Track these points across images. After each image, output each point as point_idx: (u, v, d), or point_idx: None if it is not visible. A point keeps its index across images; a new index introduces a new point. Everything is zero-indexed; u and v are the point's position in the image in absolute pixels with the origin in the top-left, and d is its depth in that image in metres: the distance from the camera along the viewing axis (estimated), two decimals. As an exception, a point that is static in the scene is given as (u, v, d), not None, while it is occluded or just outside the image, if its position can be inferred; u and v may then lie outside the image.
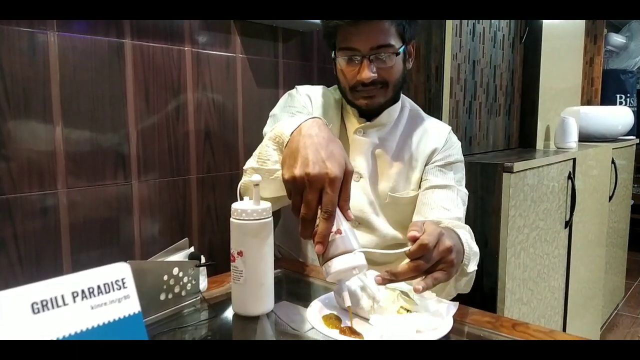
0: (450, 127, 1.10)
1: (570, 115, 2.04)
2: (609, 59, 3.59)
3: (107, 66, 1.02)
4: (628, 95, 2.93)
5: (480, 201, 1.34)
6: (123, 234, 1.07)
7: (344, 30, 0.94)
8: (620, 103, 2.89)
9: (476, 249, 0.88)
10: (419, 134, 1.07)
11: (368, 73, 0.92)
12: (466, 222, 1.17)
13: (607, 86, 2.88)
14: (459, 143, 1.10)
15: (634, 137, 2.58)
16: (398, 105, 1.05)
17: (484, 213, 1.34)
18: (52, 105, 0.94)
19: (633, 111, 2.64)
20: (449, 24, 1.36)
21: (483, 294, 1.36)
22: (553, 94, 1.90)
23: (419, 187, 1.05)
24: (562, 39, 1.94)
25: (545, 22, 1.75)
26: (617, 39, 3.73)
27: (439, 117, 1.40)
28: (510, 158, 1.44)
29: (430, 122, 1.10)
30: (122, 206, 1.06)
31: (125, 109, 1.05)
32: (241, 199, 0.71)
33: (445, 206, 0.98)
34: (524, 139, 1.84)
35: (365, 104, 0.97)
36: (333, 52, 0.98)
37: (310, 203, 0.62)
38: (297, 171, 0.64)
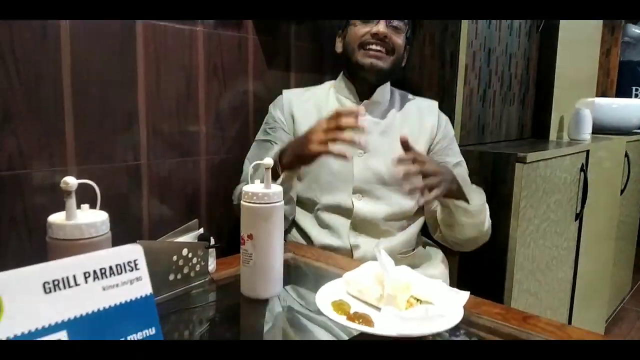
0: (436, 103, 1.21)
1: (584, 106, 2.01)
2: (625, 50, 3.52)
3: (118, 46, 1.00)
4: (644, 87, 2.87)
5: (491, 191, 1.33)
6: (132, 213, 1.07)
7: None
8: (636, 95, 2.84)
9: (479, 189, 1.08)
10: (413, 110, 1.17)
11: (383, 27, 1.04)
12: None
13: (623, 78, 2.83)
14: (446, 116, 1.21)
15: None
16: (388, 85, 1.16)
17: (495, 203, 1.32)
18: (63, 83, 0.93)
19: (649, 104, 2.59)
20: (466, 9, 1.33)
21: (491, 283, 1.35)
22: (568, 84, 1.87)
23: (427, 152, 1.15)
24: (579, 29, 1.89)
25: (563, 10, 1.71)
26: (635, 30, 3.65)
27: (452, 105, 1.38)
28: (523, 148, 1.42)
29: (419, 99, 1.21)
30: (132, 185, 1.06)
31: (135, 89, 1.04)
32: (249, 182, 0.70)
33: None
34: (537, 129, 1.81)
35: (370, 63, 1.05)
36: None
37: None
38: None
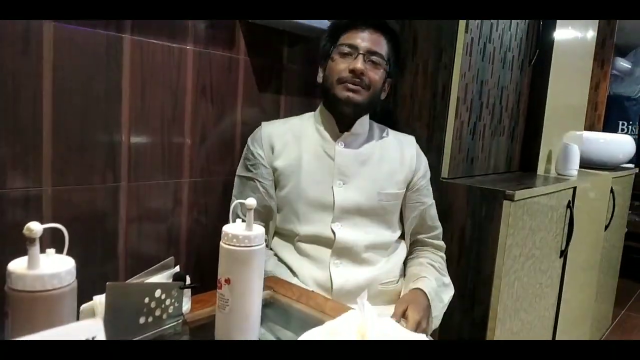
0: (413, 138, 1.23)
1: (572, 140, 2.02)
2: (613, 84, 3.58)
3: (103, 61, 0.97)
4: (631, 122, 2.91)
5: (477, 227, 1.31)
6: (108, 240, 1.02)
7: (350, 31, 1.10)
8: (622, 130, 2.87)
9: (445, 285, 1.17)
10: (393, 142, 1.19)
11: (361, 65, 1.06)
12: (462, 249, 1.16)
13: (610, 112, 2.87)
14: (422, 153, 1.24)
15: (633, 166, 2.56)
16: (367, 117, 1.17)
17: (480, 240, 1.31)
18: (43, 98, 0.90)
19: (635, 139, 2.62)
20: (460, 42, 1.32)
21: (473, 322, 1.33)
22: (558, 117, 1.87)
23: (406, 187, 1.17)
24: (571, 62, 1.91)
25: (555, 44, 1.71)
26: (622, 63, 3.71)
27: (442, 138, 1.37)
28: (511, 184, 1.41)
29: (397, 133, 1.23)
30: (110, 208, 1.01)
31: (119, 106, 1.00)
32: (234, 220, 0.67)
33: (435, 224, 1.23)
34: (525, 162, 1.80)
35: (347, 96, 1.07)
36: (331, 48, 1.11)
37: None
38: None
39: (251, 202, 0.63)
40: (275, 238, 1.16)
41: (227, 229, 0.63)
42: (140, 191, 1.06)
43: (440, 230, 1.24)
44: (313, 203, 1.09)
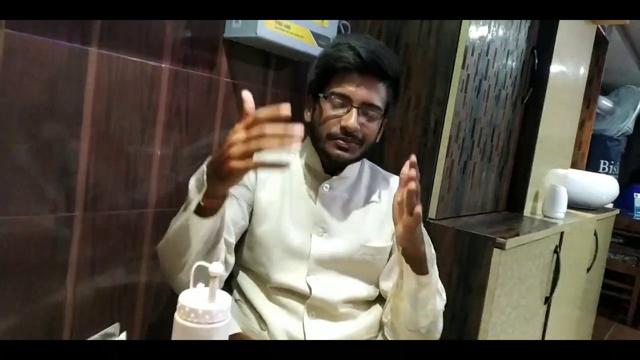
0: None
1: (558, 178, 1.97)
2: (594, 122, 3.60)
3: (63, 76, 0.86)
4: (612, 162, 2.91)
5: (464, 275, 1.23)
6: (53, 286, 0.89)
7: (343, 75, 0.94)
8: (604, 169, 2.87)
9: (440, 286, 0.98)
10: (383, 188, 1.08)
11: (354, 122, 0.93)
12: (447, 297, 1.05)
13: (592, 151, 2.86)
14: None
15: (612, 207, 2.55)
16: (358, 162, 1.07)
17: (467, 289, 1.22)
18: (-14, 115, 0.78)
19: (615, 178, 2.62)
20: (456, 77, 1.25)
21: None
22: (546, 156, 1.83)
23: (392, 240, 1.03)
24: (562, 100, 1.87)
25: (550, 81, 1.67)
26: (604, 102, 3.74)
27: (432, 176, 1.29)
28: (500, 228, 1.34)
29: (387, 174, 1.13)
30: (60, 243, 0.89)
31: (79, 126, 0.89)
32: (194, 283, 0.56)
33: None
34: (512, 202, 1.74)
35: (337, 155, 0.95)
36: (319, 91, 0.97)
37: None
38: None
39: (217, 269, 0.52)
40: (242, 274, 1.04)
41: (183, 300, 0.52)
42: (98, 221, 0.94)
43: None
44: (290, 250, 0.97)
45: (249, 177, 1.00)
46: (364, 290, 1.02)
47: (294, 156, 1.05)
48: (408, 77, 1.33)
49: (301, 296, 0.97)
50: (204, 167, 0.75)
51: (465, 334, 1.22)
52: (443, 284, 1.24)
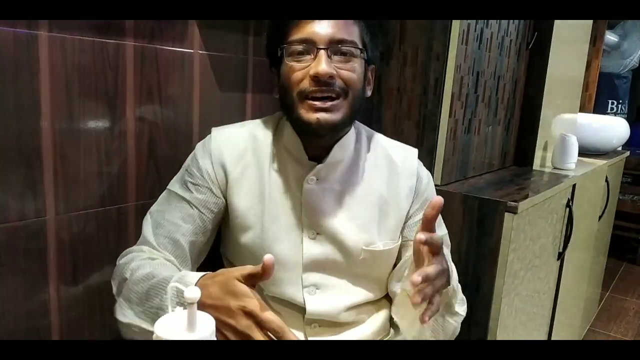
0: (416, 152, 0.93)
1: (567, 124, 1.87)
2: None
3: (12, 67, 0.75)
4: (620, 101, 2.79)
5: (474, 241, 1.16)
6: (36, 298, 0.82)
7: (296, 23, 0.76)
8: (612, 109, 2.75)
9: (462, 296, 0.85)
10: (385, 169, 0.88)
11: (325, 66, 0.72)
12: (456, 265, 0.97)
13: (599, 90, 2.73)
14: (427, 172, 0.94)
15: (621, 149, 2.45)
16: (352, 134, 0.86)
17: (478, 255, 1.16)
18: None
19: (624, 117, 2.51)
20: (455, 29, 1.13)
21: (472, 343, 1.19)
22: (554, 103, 1.72)
23: (399, 236, 0.89)
24: (569, 41, 1.74)
25: (556, 22, 1.54)
26: (609, 37, 3.56)
27: (435, 139, 1.19)
28: (509, 189, 1.25)
29: (393, 149, 0.91)
30: (33, 253, 0.82)
31: (37, 119, 0.80)
32: (172, 306, 0.49)
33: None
34: (520, 156, 1.65)
35: (317, 120, 0.75)
36: (279, 50, 0.78)
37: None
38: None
39: (193, 294, 0.44)
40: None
41: (159, 330, 0.45)
42: (73, 224, 0.87)
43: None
44: (280, 262, 0.81)
45: (216, 176, 0.83)
46: (369, 294, 0.87)
47: (269, 136, 0.86)
48: (402, 30, 1.22)
49: (298, 310, 0.84)
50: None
51: (478, 301, 1.16)
52: (452, 251, 1.14)
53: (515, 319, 1.27)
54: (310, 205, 0.82)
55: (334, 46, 0.75)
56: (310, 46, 0.75)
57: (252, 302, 0.59)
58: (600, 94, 2.73)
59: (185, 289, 0.45)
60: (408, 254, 0.87)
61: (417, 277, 0.59)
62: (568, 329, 1.95)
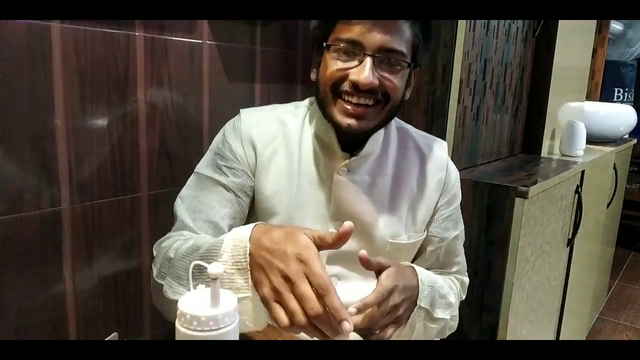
0: (446, 144, 0.91)
1: (574, 114, 1.87)
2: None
3: (25, 58, 0.76)
4: (627, 89, 2.77)
5: (485, 227, 1.16)
6: (51, 286, 0.83)
7: (346, 22, 0.72)
8: (618, 97, 2.74)
9: (452, 299, 0.82)
10: (415, 161, 0.86)
11: (369, 76, 0.70)
12: (467, 252, 0.97)
13: (605, 79, 2.72)
14: (456, 168, 0.91)
15: (628, 137, 2.44)
16: (382, 131, 0.83)
17: (489, 241, 1.16)
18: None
19: (631, 105, 2.49)
20: (463, 15, 1.13)
21: (481, 331, 1.19)
22: (561, 90, 1.71)
23: (425, 229, 0.87)
24: (575, 29, 1.73)
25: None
26: (614, 25, 3.54)
27: (444, 126, 1.19)
28: (519, 175, 1.25)
29: (423, 140, 0.89)
30: (49, 242, 0.83)
31: (52, 111, 0.80)
32: (194, 284, 0.49)
33: (456, 260, 0.92)
34: (528, 144, 1.65)
35: (348, 125, 0.73)
36: (323, 40, 0.75)
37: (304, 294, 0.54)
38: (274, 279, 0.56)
39: (216, 269, 0.45)
40: None
41: (183, 305, 0.45)
42: (88, 213, 0.87)
43: (463, 265, 0.94)
44: None
45: (247, 158, 0.80)
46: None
47: (301, 122, 0.84)
48: (409, 19, 1.21)
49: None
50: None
51: (489, 287, 1.16)
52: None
53: (527, 305, 1.27)
54: (340, 196, 0.80)
55: (382, 54, 0.72)
56: (358, 49, 0.71)
57: (310, 252, 0.56)
58: (606, 82, 2.72)
59: (208, 266, 0.46)
60: (430, 248, 0.88)
61: (352, 309, 0.62)
62: (578, 317, 1.95)
